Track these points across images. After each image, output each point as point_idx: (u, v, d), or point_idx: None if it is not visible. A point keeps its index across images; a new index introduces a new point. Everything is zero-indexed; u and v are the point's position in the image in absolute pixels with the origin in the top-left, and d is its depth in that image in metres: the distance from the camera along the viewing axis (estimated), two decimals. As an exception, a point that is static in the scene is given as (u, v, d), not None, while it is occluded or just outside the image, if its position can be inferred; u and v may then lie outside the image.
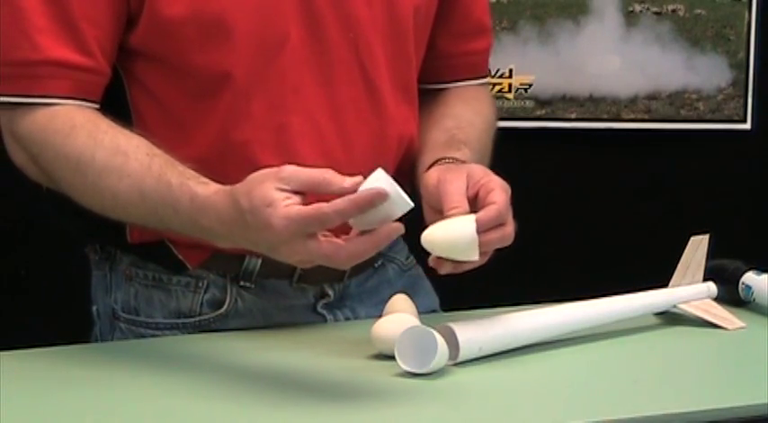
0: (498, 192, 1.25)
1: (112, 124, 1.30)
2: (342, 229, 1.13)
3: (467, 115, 1.46)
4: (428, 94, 1.50)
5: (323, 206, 1.10)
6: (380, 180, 1.11)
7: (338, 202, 1.10)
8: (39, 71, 1.30)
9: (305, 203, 1.12)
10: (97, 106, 1.33)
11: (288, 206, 1.11)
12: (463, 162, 1.34)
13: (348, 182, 1.11)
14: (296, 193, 1.12)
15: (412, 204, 1.12)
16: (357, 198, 1.09)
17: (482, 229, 1.22)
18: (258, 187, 1.13)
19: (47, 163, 1.32)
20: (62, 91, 1.30)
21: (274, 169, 1.14)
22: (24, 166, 1.35)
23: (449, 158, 1.35)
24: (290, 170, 1.13)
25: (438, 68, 1.50)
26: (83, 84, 1.31)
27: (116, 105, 1.35)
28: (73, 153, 1.28)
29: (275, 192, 1.12)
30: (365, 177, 1.12)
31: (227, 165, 1.33)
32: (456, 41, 1.50)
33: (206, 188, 1.20)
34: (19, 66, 1.30)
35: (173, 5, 1.29)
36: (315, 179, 1.13)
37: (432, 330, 1.19)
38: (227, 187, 1.18)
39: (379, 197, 1.10)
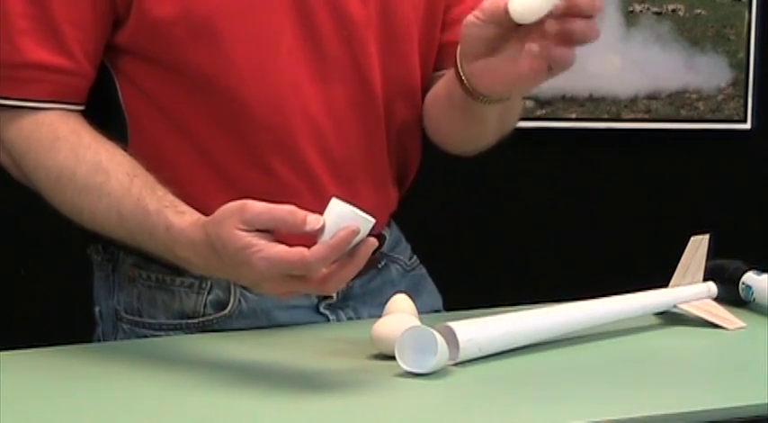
0: None
1: (96, 137, 1.30)
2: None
3: None
4: (435, 81, 1.49)
5: (305, 255, 1.10)
6: (341, 210, 1.12)
7: (320, 251, 1.10)
8: (19, 74, 1.30)
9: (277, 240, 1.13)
10: (81, 108, 1.33)
11: (267, 246, 1.12)
12: None
13: (309, 225, 1.11)
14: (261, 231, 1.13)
15: (373, 220, 1.13)
16: (336, 243, 1.10)
17: None
18: (223, 230, 1.14)
19: (28, 171, 1.32)
20: (43, 94, 1.30)
21: (237, 207, 1.13)
22: (8, 167, 1.35)
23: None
24: (251, 212, 1.13)
25: (437, 60, 1.49)
26: (64, 87, 1.31)
27: (107, 105, 1.35)
28: (54, 167, 1.29)
29: (242, 234, 1.12)
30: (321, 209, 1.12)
31: (231, 162, 1.34)
32: (448, 31, 1.48)
33: (182, 219, 1.21)
34: (0, 67, 1.30)
35: (161, 6, 1.29)
36: (276, 219, 1.13)
37: (432, 330, 1.19)
38: (202, 220, 1.19)
39: (354, 234, 1.11)
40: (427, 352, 1.18)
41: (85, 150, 1.28)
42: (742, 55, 2.73)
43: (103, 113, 1.34)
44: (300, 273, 1.13)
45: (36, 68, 1.30)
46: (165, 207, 1.23)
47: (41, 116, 1.31)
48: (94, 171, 1.27)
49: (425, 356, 1.18)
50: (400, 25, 1.41)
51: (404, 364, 1.19)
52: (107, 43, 1.33)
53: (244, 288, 1.39)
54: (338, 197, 1.13)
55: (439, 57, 1.48)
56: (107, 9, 1.31)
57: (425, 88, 1.47)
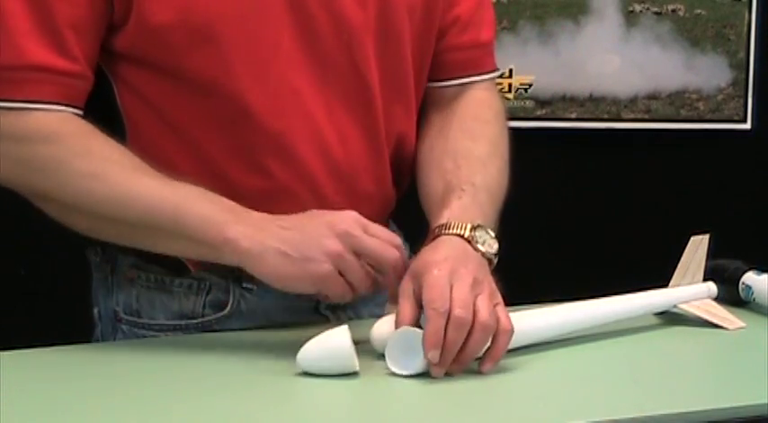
0: (428, 286, 1.21)
1: (108, 139, 1.30)
2: None
3: (465, 145, 1.43)
4: (433, 95, 1.49)
5: (399, 254, 1.26)
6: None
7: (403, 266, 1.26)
8: (23, 76, 1.29)
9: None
10: (81, 112, 1.32)
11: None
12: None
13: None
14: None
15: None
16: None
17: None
18: (339, 213, 1.26)
19: (38, 173, 1.31)
20: (47, 96, 1.29)
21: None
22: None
23: (440, 226, 1.31)
24: (367, 222, 1.26)
25: (432, 68, 1.49)
26: (67, 89, 1.30)
27: (105, 110, 1.35)
28: (94, 158, 1.29)
29: (355, 224, 1.24)
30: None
31: (230, 167, 1.33)
32: (446, 36, 1.48)
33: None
34: (2, 70, 1.29)
35: (160, 12, 1.28)
36: (376, 245, 1.25)
37: (419, 331, 1.18)
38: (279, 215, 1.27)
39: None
40: (416, 352, 1.18)
41: (107, 146, 1.29)
42: (742, 55, 2.74)
43: (101, 119, 1.33)
44: (379, 258, 1.24)
45: (41, 70, 1.29)
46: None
47: (48, 118, 1.30)
48: (130, 163, 1.28)
49: (416, 357, 1.18)
50: (396, 29, 1.40)
51: (393, 366, 1.18)
52: (106, 49, 1.33)
53: (243, 288, 1.39)
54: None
55: (435, 64, 1.47)
56: (104, 12, 1.30)
57: (419, 94, 1.46)
